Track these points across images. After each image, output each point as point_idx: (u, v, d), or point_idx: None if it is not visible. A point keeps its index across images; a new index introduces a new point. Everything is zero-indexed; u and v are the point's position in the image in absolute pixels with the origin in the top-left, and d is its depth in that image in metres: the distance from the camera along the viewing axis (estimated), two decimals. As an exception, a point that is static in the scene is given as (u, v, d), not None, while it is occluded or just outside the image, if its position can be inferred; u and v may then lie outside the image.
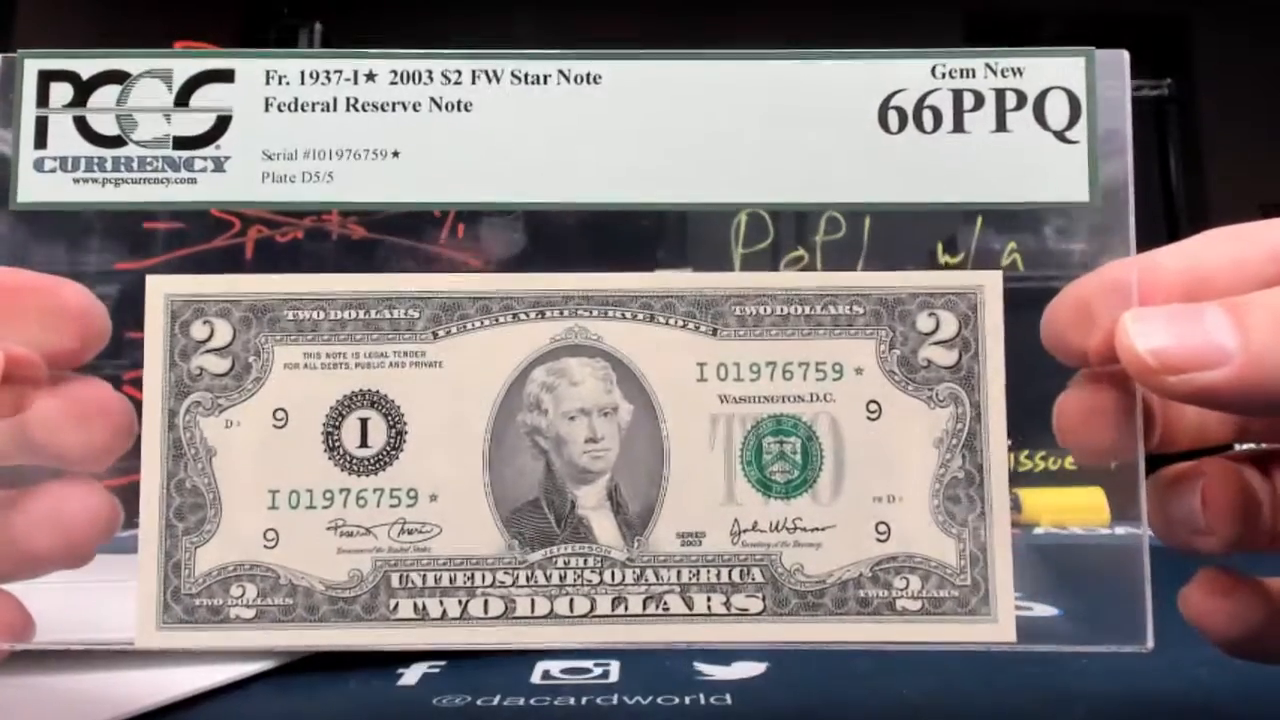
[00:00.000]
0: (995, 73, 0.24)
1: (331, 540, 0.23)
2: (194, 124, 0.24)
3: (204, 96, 0.24)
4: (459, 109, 0.24)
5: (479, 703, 0.29)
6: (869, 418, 0.23)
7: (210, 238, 0.34)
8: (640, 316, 0.24)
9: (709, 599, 0.23)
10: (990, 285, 0.24)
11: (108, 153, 0.24)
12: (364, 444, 0.23)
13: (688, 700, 0.29)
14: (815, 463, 0.23)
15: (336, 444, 0.23)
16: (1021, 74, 0.24)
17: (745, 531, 0.23)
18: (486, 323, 0.24)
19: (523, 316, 0.24)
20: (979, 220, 0.24)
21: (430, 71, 0.24)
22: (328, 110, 0.24)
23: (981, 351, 0.23)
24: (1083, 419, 0.23)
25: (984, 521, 0.23)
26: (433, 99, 0.24)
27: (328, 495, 0.23)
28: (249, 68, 0.24)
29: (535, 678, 0.31)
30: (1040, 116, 0.24)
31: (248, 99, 0.24)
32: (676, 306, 0.24)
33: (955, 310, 0.24)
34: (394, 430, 0.23)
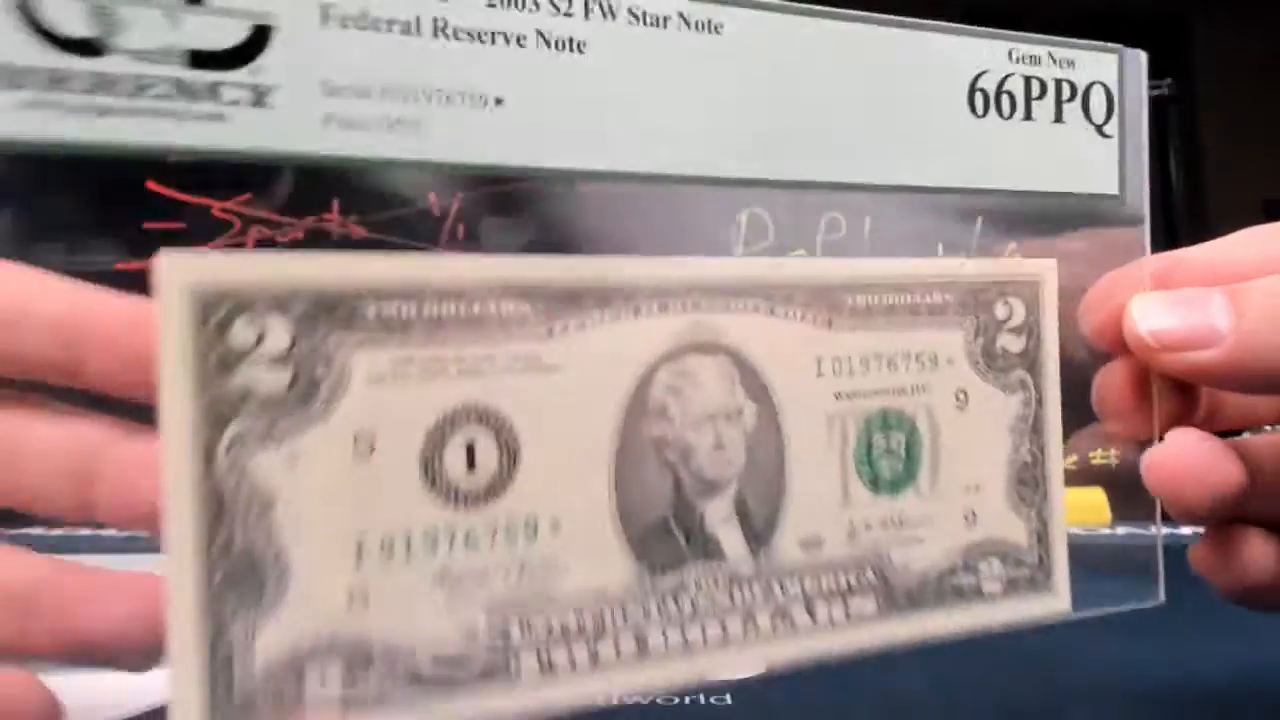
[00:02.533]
0: (1055, 62, 0.24)
1: (438, 593, 0.18)
2: (217, 32, 0.16)
3: None
4: (571, 48, 0.19)
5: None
6: (958, 407, 0.23)
7: (209, 238, 0.32)
8: (761, 309, 0.21)
9: (829, 607, 0.22)
10: (1047, 273, 0.24)
11: (77, 63, 0.16)
12: (471, 469, 0.18)
13: (688, 700, 0.27)
14: (918, 456, 0.23)
15: (438, 473, 0.18)
16: (1073, 66, 0.25)
17: (859, 532, 0.22)
18: (607, 317, 0.20)
19: (643, 310, 0.20)
20: (979, 221, 0.25)
21: (548, -2, 0.19)
22: (408, 32, 0.18)
23: (1043, 338, 0.24)
24: (1119, 392, 0.25)
25: (1045, 500, 0.24)
26: (539, 32, 0.19)
27: (429, 538, 0.18)
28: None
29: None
30: (1086, 109, 0.25)
31: (296, 2, 0.17)
32: (795, 297, 0.21)
33: (1023, 297, 0.24)
34: (507, 451, 0.19)
